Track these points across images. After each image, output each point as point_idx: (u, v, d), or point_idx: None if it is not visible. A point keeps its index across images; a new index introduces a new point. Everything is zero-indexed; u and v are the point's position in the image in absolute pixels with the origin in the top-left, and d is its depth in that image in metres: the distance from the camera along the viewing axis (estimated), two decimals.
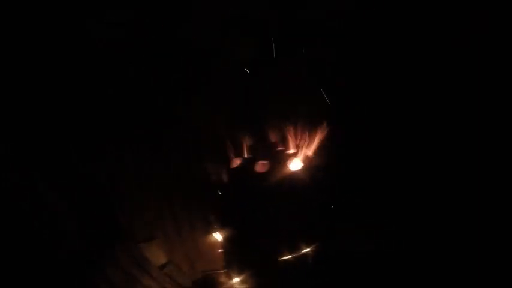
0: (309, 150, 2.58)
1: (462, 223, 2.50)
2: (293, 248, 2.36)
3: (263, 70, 3.00)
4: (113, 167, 2.69)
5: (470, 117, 2.66)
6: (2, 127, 2.50)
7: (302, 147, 2.57)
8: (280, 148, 2.66)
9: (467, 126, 2.66)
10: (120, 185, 2.67)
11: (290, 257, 2.36)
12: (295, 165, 2.54)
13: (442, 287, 2.43)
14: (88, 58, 2.80)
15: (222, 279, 2.58)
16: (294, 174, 2.49)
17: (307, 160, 2.55)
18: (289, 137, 2.61)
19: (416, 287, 2.45)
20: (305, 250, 2.36)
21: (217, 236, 2.66)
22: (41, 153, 2.57)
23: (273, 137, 2.67)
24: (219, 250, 2.63)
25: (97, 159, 2.71)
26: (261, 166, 2.52)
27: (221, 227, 2.59)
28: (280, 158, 2.56)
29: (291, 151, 2.63)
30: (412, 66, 2.81)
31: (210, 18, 2.98)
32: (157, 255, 2.61)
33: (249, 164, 2.57)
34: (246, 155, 2.65)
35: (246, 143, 2.69)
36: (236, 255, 2.48)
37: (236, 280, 2.46)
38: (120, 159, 2.74)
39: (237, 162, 2.64)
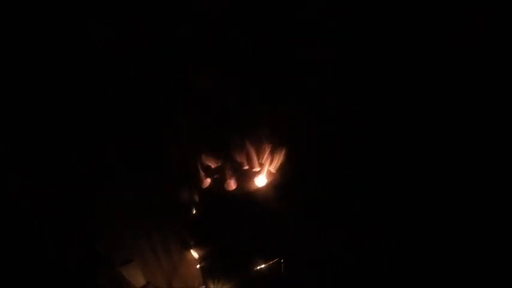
0: (272, 167, 2.79)
1: (462, 223, 2.50)
2: (266, 257, 2.52)
3: (263, 70, 3.00)
4: (113, 179, 2.75)
5: (470, 117, 2.66)
6: (2, 127, 2.50)
7: (265, 164, 2.78)
8: (245, 167, 2.85)
9: (467, 126, 2.67)
10: (96, 210, 2.73)
11: (264, 266, 2.50)
12: (261, 181, 2.74)
13: (442, 287, 2.43)
14: (88, 58, 2.80)
15: None
16: (260, 190, 2.68)
17: (271, 176, 2.77)
18: (253, 156, 2.81)
19: (416, 287, 2.45)
20: (277, 258, 2.52)
21: (193, 254, 2.74)
22: (41, 153, 2.58)
23: (239, 157, 2.86)
24: (196, 267, 2.71)
25: (97, 159, 2.72)
26: (229, 184, 2.72)
27: (196, 245, 2.69)
28: (246, 176, 2.76)
29: (256, 169, 2.82)
30: (412, 66, 2.82)
31: (210, 18, 2.99)
32: (136, 277, 2.68)
33: (218, 183, 2.76)
34: (214, 175, 2.84)
35: (214, 164, 2.90)
36: (212, 271, 2.60)
37: None
38: (119, 162, 2.78)
39: (207, 182, 2.84)
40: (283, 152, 2.75)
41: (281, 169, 2.76)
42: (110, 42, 2.85)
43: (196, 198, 2.82)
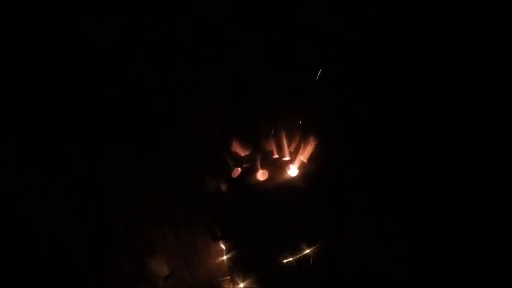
0: (304, 157, 2.65)
1: (462, 223, 2.51)
2: (295, 250, 2.41)
3: (263, 70, 3.00)
4: (113, 179, 2.73)
5: (470, 117, 2.66)
6: (2, 127, 2.50)
7: (297, 154, 2.64)
8: (276, 156, 2.72)
9: (467, 126, 2.67)
10: (120, 197, 2.72)
11: (292, 259, 2.39)
12: (292, 171, 2.60)
13: (441, 287, 2.43)
14: (88, 58, 2.80)
15: (226, 286, 2.61)
16: (291, 181, 2.55)
17: (302, 166, 2.62)
18: (284, 145, 2.67)
19: (416, 287, 2.46)
20: (306, 251, 2.39)
21: (219, 244, 2.70)
22: (41, 153, 2.58)
23: (269, 146, 2.75)
24: (222, 258, 2.67)
25: (97, 159, 2.72)
26: (259, 174, 2.59)
27: (223, 235, 2.63)
28: (277, 166, 2.62)
29: (287, 158, 2.70)
30: (412, 66, 2.82)
31: (210, 18, 2.99)
32: (160, 267, 2.66)
33: (248, 172, 2.63)
34: (244, 165, 2.72)
35: (244, 152, 2.78)
36: (239, 262, 2.52)
37: (240, 286, 2.48)
38: (119, 162, 2.76)
39: (236, 171, 2.71)
40: (315, 141, 2.60)
41: (313, 159, 2.61)
42: (110, 42, 2.85)
43: (224, 188, 2.72)
